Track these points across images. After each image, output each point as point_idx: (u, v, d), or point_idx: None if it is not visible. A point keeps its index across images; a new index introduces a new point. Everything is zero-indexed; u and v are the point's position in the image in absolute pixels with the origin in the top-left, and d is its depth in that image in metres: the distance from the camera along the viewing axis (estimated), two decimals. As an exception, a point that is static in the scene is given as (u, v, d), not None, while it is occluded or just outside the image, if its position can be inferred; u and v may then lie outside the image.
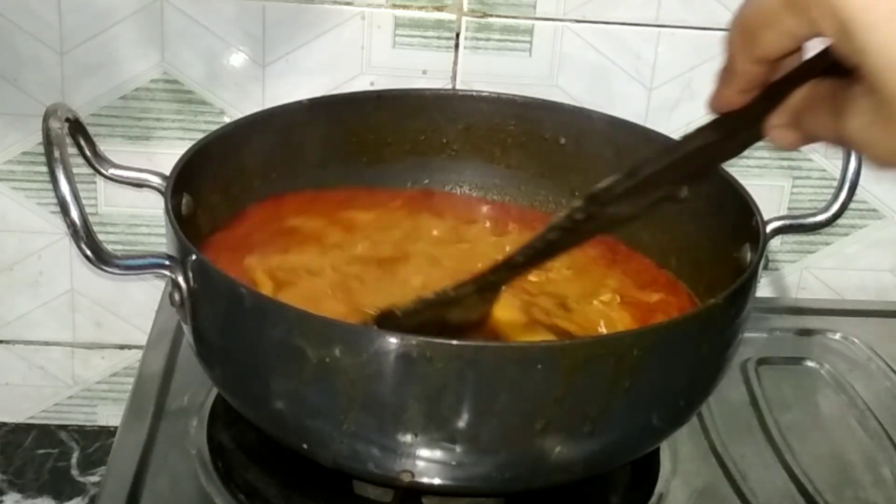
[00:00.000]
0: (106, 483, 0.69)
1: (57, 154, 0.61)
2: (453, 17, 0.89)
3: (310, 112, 0.82)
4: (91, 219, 0.61)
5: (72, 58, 0.88)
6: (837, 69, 0.45)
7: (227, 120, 0.90)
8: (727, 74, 0.52)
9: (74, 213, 0.60)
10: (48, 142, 0.62)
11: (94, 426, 1.00)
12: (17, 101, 0.89)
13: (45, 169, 0.63)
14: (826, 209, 0.76)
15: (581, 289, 0.76)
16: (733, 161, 0.83)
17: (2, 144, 0.91)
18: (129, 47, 0.88)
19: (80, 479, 0.95)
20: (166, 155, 0.85)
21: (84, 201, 0.61)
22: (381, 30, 0.89)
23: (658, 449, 0.73)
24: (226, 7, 0.87)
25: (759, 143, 0.87)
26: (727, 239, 0.73)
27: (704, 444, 0.76)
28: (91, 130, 0.72)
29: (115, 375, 0.99)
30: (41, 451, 0.97)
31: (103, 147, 0.73)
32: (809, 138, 0.51)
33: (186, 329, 0.67)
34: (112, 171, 0.73)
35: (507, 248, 0.79)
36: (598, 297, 0.76)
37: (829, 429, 0.81)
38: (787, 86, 0.51)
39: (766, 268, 0.98)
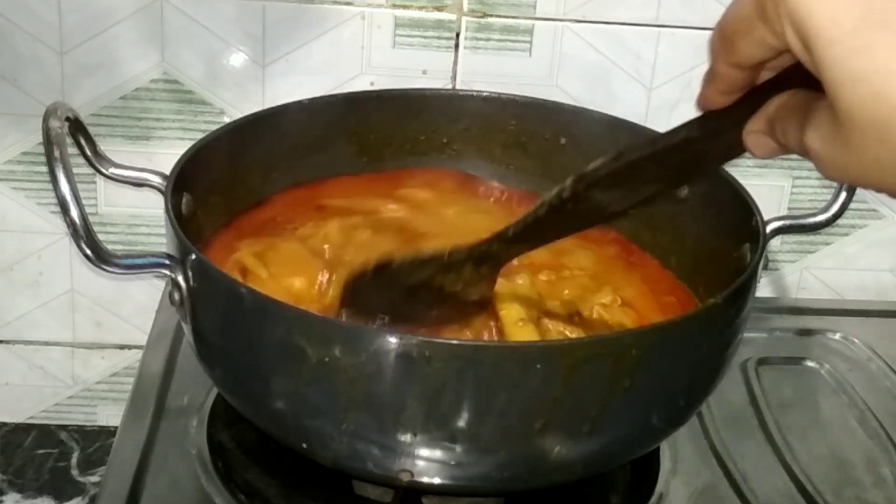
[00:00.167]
0: (106, 483, 0.69)
1: (57, 153, 0.61)
2: (453, 17, 0.89)
3: (310, 112, 0.82)
4: (91, 219, 0.61)
5: (72, 58, 0.88)
6: (812, 81, 0.46)
7: (227, 120, 0.90)
8: (710, 75, 0.53)
9: (74, 213, 0.60)
10: (48, 141, 0.62)
11: (94, 426, 1.00)
12: (17, 101, 0.89)
13: (45, 169, 0.63)
14: (826, 209, 0.76)
15: (592, 293, 0.76)
16: (734, 161, 0.84)
17: (2, 144, 0.91)
18: (129, 47, 0.88)
19: (80, 479, 0.95)
20: (166, 155, 0.85)
21: (84, 201, 0.61)
22: (381, 30, 0.89)
23: (658, 449, 0.73)
24: (226, 7, 0.87)
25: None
26: (727, 239, 0.73)
27: (704, 444, 0.76)
28: (91, 130, 0.72)
29: (115, 375, 0.99)
30: (41, 451, 0.98)
31: (103, 147, 0.73)
32: (781, 147, 0.51)
33: (186, 329, 0.67)
34: (112, 171, 0.73)
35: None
36: (602, 301, 0.75)
37: (829, 429, 0.81)
38: (767, 92, 0.51)
39: (766, 268, 0.98)
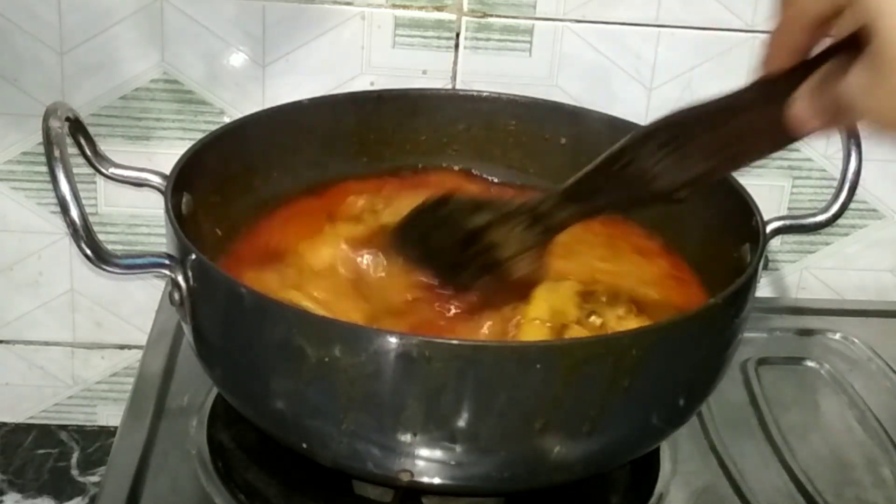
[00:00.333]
0: (106, 483, 0.69)
1: (57, 153, 0.61)
2: (453, 17, 0.89)
3: (310, 112, 0.82)
4: (91, 219, 0.61)
5: (72, 58, 0.88)
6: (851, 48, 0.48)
7: (227, 120, 0.90)
8: (774, 33, 0.54)
9: (74, 213, 0.60)
10: (48, 141, 0.62)
11: (94, 426, 1.00)
12: (17, 101, 0.89)
13: (45, 169, 0.63)
14: (826, 209, 0.76)
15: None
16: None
17: (2, 144, 0.91)
18: (129, 47, 0.88)
19: (80, 479, 0.95)
20: (166, 155, 0.85)
21: (84, 201, 0.61)
22: (381, 30, 0.89)
23: (658, 449, 0.73)
24: (226, 7, 0.87)
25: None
26: (727, 239, 0.73)
27: (704, 444, 0.76)
28: (91, 130, 0.72)
29: (115, 375, 0.99)
30: (41, 451, 0.98)
31: (103, 147, 0.73)
32: (821, 118, 0.52)
33: (186, 329, 0.67)
34: (112, 171, 0.73)
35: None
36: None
37: (829, 429, 0.81)
38: (816, 65, 0.52)
39: (766, 268, 0.98)
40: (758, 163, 0.93)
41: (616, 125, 0.82)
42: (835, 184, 0.76)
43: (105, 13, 0.87)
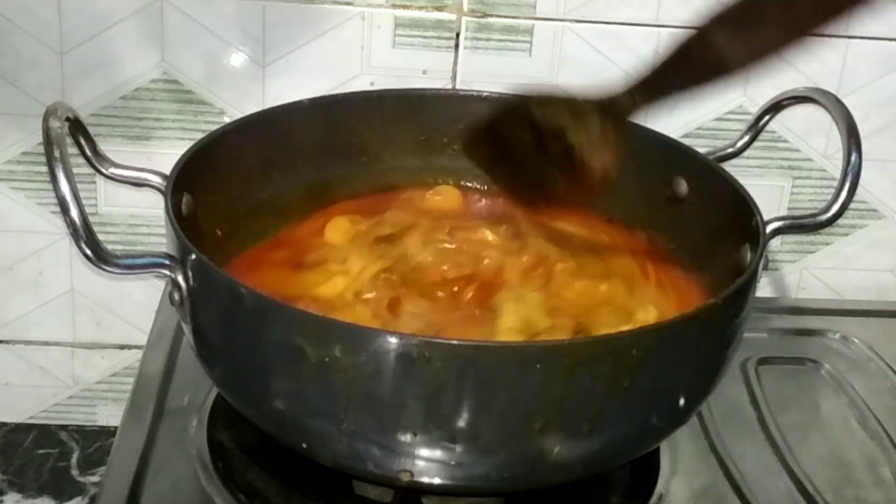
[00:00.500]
0: (106, 483, 0.69)
1: (57, 153, 0.61)
2: (453, 17, 0.89)
3: (310, 112, 0.82)
4: (91, 219, 0.61)
5: (72, 58, 0.88)
6: None
7: (227, 120, 0.90)
8: None
9: (74, 213, 0.60)
10: (48, 141, 0.62)
11: (94, 426, 1.00)
12: (17, 101, 0.89)
13: (45, 169, 0.63)
14: (826, 209, 0.76)
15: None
16: (733, 161, 0.84)
17: (2, 144, 0.91)
18: (129, 47, 0.88)
19: (80, 479, 0.95)
20: (166, 155, 0.85)
21: (84, 201, 0.61)
22: (381, 30, 0.89)
23: (658, 449, 0.73)
24: (226, 7, 0.87)
25: (758, 144, 0.88)
26: (727, 239, 0.73)
27: (704, 444, 0.76)
28: (91, 130, 0.72)
29: (115, 375, 0.99)
30: (41, 451, 0.97)
31: (103, 147, 0.73)
32: None
33: (186, 329, 0.67)
34: (112, 171, 0.73)
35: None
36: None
37: (829, 429, 0.81)
38: None
39: (766, 268, 0.98)
40: (758, 163, 0.94)
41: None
42: (835, 184, 0.76)
43: (105, 13, 0.87)
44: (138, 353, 0.87)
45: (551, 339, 0.68)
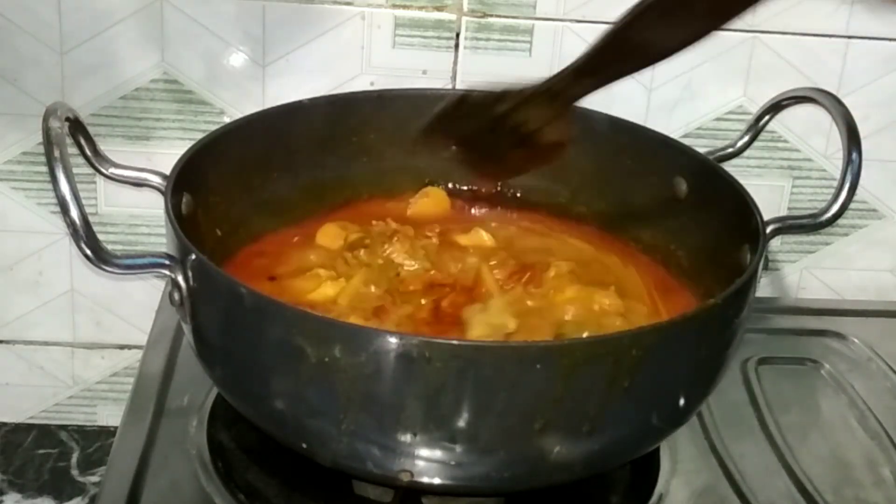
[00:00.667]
0: (106, 483, 0.69)
1: (57, 153, 0.61)
2: (453, 17, 0.89)
3: (310, 112, 0.82)
4: (91, 219, 0.61)
5: (72, 58, 0.88)
6: None
7: (227, 120, 0.90)
8: None
9: (74, 213, 0.60)
10: (48, 141, 0.62)
11: (94, 426, 1.00)
12: (17, 101, 0.89)
13: (45, 169, 0.63)
14: (826, 209, 0.76)
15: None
16: (733, 161, 0.84)
17: (2, 144, 0.91)
18: (129, 47, 0.88)
19: (80, 479, 0.95)
20: (166, 155, 0.85)
21: (84, 201, 0.61)
22: (381, 30, 0.89)
23: (658, 449, 0.73)
24: (226, 7, 0.87)
25: (758, 144, 0.88)
26: (727, 239, 0.73)
27: (704, 444, 0.76)
28: (91, 130, 0.72)
29: (115, 375, 0.99)
30: (41, 451, 0.97)
31: (103, 147, 0.73)
32: None
33: (186, 329, 0.67)
34: (112, 171, 0.73)
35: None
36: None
37: (829, 429, 0.81)
38: None
39: (766, 268, 0.98)
40: (758, 163, 0.94)
41: (616, 125, 0.82)
42: (835, 184, 0.76)
43: (105, 13, 0.87)
44: (138, 353, 0.87)
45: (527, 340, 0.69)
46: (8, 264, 0.95)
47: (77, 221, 0.60)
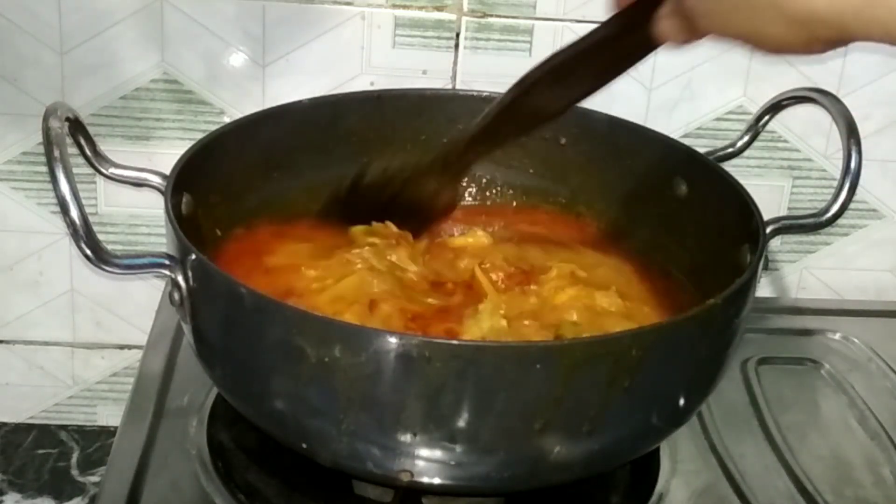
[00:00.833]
0: (106, 483, 0.69)
1: (57, 153, 0.61)
2: (453, 17, 0.89)
3: (310, 112, 0.82)
4: (91, 219, 0.61)
5: (72, 58, 0.88)
6: None
7: (227, 120, 0.90)
8: None
9: (74, 213, 0.60)
10: (48, 141, 0.62)
11: (94, 426, 1.00)
12: (17, 101, 0.89)
13: (45, 169, 0.63)
14: (826, 209, 0.76)
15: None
16: (733, 161, 0.84)
17: (2, 144, 0.91)
18: (129, 47, 0.88)
19: (80, 479, 0.95)
20: (166, 155, 0.85)
21: (84, 201, 0.61)
22: (381, 30, 0.89)
23: (658, 449, 0.73)
24: (226, 7, 0.87)
25: (758, 144, 0.87)
26: (727, 239, 0.73)
27: (704, 444, 0.76)
28: (91, 130, 0.72)
29: (115, 375, 0.99)
30: (41, 451, 0.97)
31: (103, 147, 0.73)
32: (686, 28, 0.58)
33: (186, 329, 0.67)
34: (112, 171, 0.73)
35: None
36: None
37: (829, 429, 0.81)
38: None
39: (766, 268, 0.98)
40: (758, 163, 0.94)
41: (616, 125, 0.82)
42: (835, 184, 0.76)
43: (105, 13, 0.87)
44: (138, 353, 0.87)
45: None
46: (8, 264, 0.95)
47: (77, 221, 0.60)
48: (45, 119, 0.63)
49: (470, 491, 0.64)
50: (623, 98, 0.90)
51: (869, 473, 0.75)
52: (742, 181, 0.74)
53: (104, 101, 0.89)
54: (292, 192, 0.82)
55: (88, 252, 0.60)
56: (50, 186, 0.60)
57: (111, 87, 0.89)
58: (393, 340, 0.57)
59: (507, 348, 0.61)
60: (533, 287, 0.75)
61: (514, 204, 0.87)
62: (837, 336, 0.91)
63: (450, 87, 0.91)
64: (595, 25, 0.66)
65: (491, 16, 0.89)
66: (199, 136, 0.76)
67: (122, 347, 0.98)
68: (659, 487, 0.71)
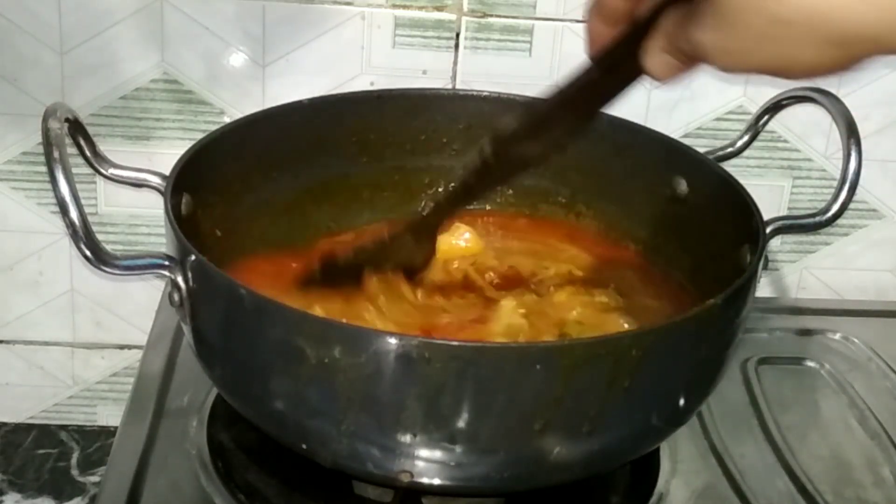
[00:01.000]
0: (106, 483, 0.69)
1: (56, 154, 0.61)
2: (453, 17, 0.89)
3: (310, 112, 0.82)
4: (91, 219, 0.61)
5: (72, 58, 0.88)
6: None
7: (227, 120, 0.90)
8: (595, 9, 0.57)
9: (74, 214, 0.60)
10: (48, 142, 0.62)
11: (94, 426, 1.00)
12: (17, 101, 0.89)
13: (45, 169, 0.63)
14: (826, 209, 0.76)
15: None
16: (733, 161, 0.84)
17: (2, 144, 0.91)
18: (129, 47, 0.88)
19: (80, 479, 0.95)
20: (166, 155, 0.85)
21: (84, 201, 0.61)
22: (381, 30, 0.89)
23: (658, 449, 0.73)
24: (226, 7, 0.87)
25: (758, 144, 0.88)
26: (727, 239, 0.73)
27: (704, 444, 0.76)
28: (91, 130, 0.72)
29: (115, 375, 0.99)
30: (41, 451, 0.97)
31: (103, 147, 0.73)
32: (682, 63, 0.54)
33: (186, 329, 0.67)
34: (112, 171, 0.73)
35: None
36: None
37: (829, 429, 0.81)
38: (650, 17, 0.54)
39: (766, 268, 0.98)
40: (758, 163, 0.94)
41: (615, 124, 0.82)
42: (835, 184, 0.76)
43: (105, 13, 0.87)
44: (138, 353, 0.87)
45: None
46: (8, 264, 0.95)
47: (76, 222, 0.60)
48: (45, 120, 0.63)
49: (470, 491, 0.64)
50: (623, 98, 0.90)
51: (869, 473, 0.75)
52: (742, 181, 0.74)
53: (104, 102, 0.89)
54: (292, 192, 0.82)
55: (88, 253, 0.60)
56: (50, 186, 0.60)
57: (111, 87, 0.89)
58: (392, 341, 0.57)
59: (507, 349, 0.61)
60: (532, 286, 0.75)
61: (514, 205, 0.87)
62: (837, 336, 0.91)
63: (450, 87, 0.91)
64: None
65: (491, 16, 0.89)
66: (199, 136, 0.76)
67: (122, 347, 0.98)
68: (659, 487, 0.71)
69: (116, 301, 0.96)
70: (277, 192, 0.81)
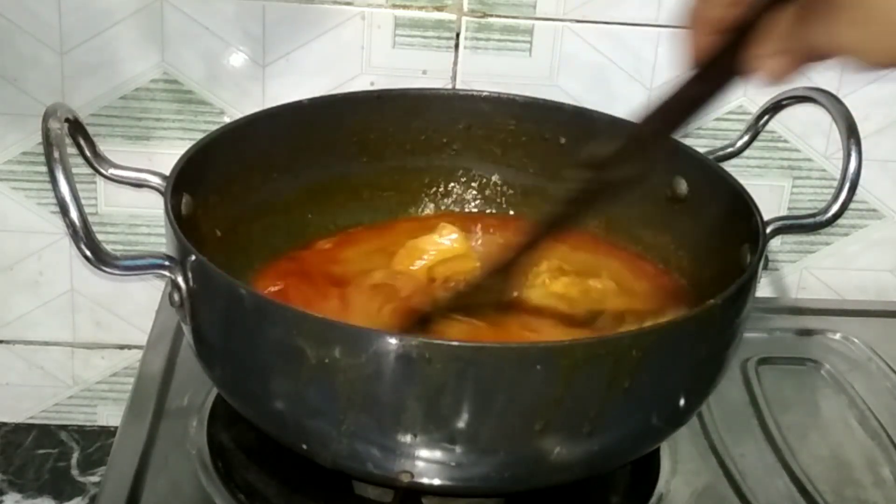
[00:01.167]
0: (106, 483, 0.69)
1: (56, 154, 0.61)
2: (453, 17, 0.89)
3: (310, 112, 0.82)
4: (91, 219, 0.61)
5: (72, 58, 0.88)
6: None
7: (227, 120, 0.90)
8: (694, 20, 0.55)
9: (74, 214, 0.60)
10: (48, 142, 0.62)
11: (94, 426, 1.00)
12: (17, 101, 0.89)
13: (45, 169, 0.63)
14: (826, 209, 0.76)
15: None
16: (733, 161, 0.84)
17: (2, 144, 0.91)
18: (129, 47, 0.88)
19: (80, 479, 0.95)
20: (166, 155, 0.85)
21: (84, 201, 0.61)
22: (381, 30, 0.89)
23: (658, 449, 0.73)
24: (226, 7, 0.87)
25: (758, 144, 0.88)
26: (727, 239, 0.73)
27: (704, 444, 0.76)
28: (91, 130, 0.72)
29: (115, 375, 0.99)
30: (41, 451, 0.97)
31: (103, 147, 0.73)
32: (799, 61, 0.53)
33: (186, 329, 0.67)
34: (112, 171, 0.73)
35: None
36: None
37: (829, 429, 0.81)
38: (756, 18, 0.53)
39: (766, 268, 0.98)
40: (758, 163, 0.94)
41: (616, 125, 0.82)
42: (835, 184, 0.76)
43: (105, 13, 0.87)
44: (138, 353, 0.87)
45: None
46: (8, 264, 0.95)
47: (77, 223, 0.60)
48: (45, 120, 0.63)
49: (470, 491, 0.64)
50: (623, 98, 0.90)
51: (869, 473, 0.75)
52: (742, 181, 0.74)
53: (104, 102, 0.89)
54: (292, 192, 0.82)
55: (88, 253, 0.60)
56: (50, 186, 0.60)
57: (111, 87, 0.89)
58: (393, 341, 0.57)
59: (507, 349, 0.61)
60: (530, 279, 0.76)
61: (514, 205, 0.87)
62: (837, 336, 0.91)
63: (450, 87, 0.91)
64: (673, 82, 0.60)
65: (491, 16, 0.89)
66: (199, 136, 0.76)
67: (122, 347, 0.98)
68: (659, 487, 0.71)
69: (116, 301, 0.96)
70: (277, 192, 0.81)
